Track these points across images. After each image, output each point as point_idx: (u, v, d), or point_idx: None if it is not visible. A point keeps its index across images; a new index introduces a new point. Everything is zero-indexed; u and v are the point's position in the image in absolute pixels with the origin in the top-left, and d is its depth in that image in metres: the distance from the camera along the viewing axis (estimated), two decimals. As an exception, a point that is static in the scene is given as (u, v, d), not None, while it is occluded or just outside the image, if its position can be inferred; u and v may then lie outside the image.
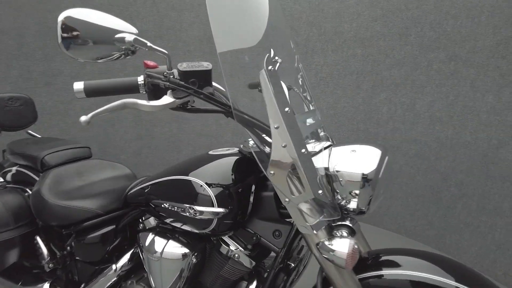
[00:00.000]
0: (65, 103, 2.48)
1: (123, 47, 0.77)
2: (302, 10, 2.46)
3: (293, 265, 0.97)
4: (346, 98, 2.43)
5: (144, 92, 0.80)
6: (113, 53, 0.78)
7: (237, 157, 0.97)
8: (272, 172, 0.80)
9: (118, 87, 0.79)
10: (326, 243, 0.78)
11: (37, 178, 1.38)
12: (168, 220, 0.98)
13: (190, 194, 0.89)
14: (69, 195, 1.25)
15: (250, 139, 1.02)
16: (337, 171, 0.82)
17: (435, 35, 1.98)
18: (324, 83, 2.48)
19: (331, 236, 0.82)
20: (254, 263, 0.97)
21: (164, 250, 0.95)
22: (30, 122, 1.61)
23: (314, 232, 0.81)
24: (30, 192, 1.39)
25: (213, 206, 0.87)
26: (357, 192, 0.82)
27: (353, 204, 0.83)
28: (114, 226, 1.16)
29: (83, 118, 0.74)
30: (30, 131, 1.71)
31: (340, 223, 0.83)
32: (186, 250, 0.96)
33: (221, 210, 0.87)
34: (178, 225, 0.96)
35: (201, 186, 0.89)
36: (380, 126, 2.30)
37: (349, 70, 2.40)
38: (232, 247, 0.96)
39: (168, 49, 2.69)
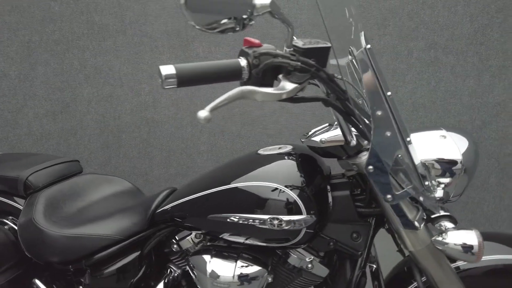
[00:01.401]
0: (13, 111, 2.09)
1: (248, 11, 0.61)
2: (276, 1, 2.39)
3: (374, 266, 0.90)
4: (327, 90, 2.43)
5: (245, 79, 0.65)
6: (226, 22, 0.62)
7: (298, 156, 0.87)
8: (371, 167, 0.72)
9: (216, 73, 0.63)
10: (439, 238, 0.73)
11: (18, 205, 1.11)
12: (226, 236, 0.83)
13: (270, 202, 0.77)
14: (74, 221, 1.02)
15: (312, 133, 0.92)
16: (432, 159, 0.77)
17: (414, 24, 2.06)
18: (303, 76, 2.44)
19: (430, 230, 0.78)
20: (328, 271, 0.87)
21: (236, 273, 0.80)
22: None
23: (418, 226, 0.75)
24: (12, 224, 1.11)
25: (301, 213, 0.75)
26: (446, 180, 0.79)
27: (439, 193, 0.79)
28: (139, 252, 0.96)
29: (203, 114, 0.58)
30: None
31: (437, 215, 0.78)
32: (259, 268, 0.82)
33: (309, 217, 0.76)
34: (240, 240, 0.82)
35: (278, 190, 0.77)
36: (363, 115, 2.34)
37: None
38: (304, 257, 0.85)
39: (132, 45, 2.41)
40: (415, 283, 0.87)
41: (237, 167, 0.87)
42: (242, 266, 0.80)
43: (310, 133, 0.91)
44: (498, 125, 1.86)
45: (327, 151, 0.84)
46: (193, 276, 0.88)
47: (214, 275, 0.81)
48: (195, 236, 0.94)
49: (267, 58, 0.65)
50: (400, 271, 0.95)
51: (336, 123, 0.94)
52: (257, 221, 0.75)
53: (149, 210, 0.97)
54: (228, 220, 0.78)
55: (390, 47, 2.18)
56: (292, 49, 0.69)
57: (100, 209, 1.08)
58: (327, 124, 0.94)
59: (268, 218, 0.75)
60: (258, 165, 0.84)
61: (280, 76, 0.67)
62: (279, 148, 0.91)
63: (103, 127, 2.32)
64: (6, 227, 1.08)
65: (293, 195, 0.75)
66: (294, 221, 0.74)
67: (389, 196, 0.72)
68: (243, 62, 0.65)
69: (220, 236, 0.84)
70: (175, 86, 0.61)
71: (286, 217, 0.74)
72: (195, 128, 2.56)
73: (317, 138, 0.83)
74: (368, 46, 0.70)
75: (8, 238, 1.04)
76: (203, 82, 0.64)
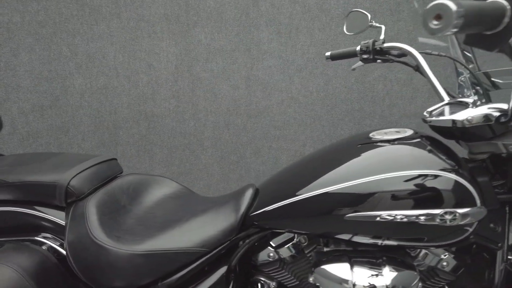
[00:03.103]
0: (-8, 106, 1.76)
1: None
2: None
3: None
4: (338, 79, 2.35)
5: (499, 28, 0.51)
6: None
7: (426, 139, 0.76)
8: None
9: (478, 18, 0.49)
10: None
11: (53, 218, 0.88)
12: (359, 237, 0.70)
13: (437, 193, 0.65)
14: (139, 234, 0.83)
15: (430, 112, 0.81)
16: None
17: (430, 9, 2.04)
18: (312, 64, 2.35)
19: None
20: (458, 267, 0.77)
21: (389, 280, 0.67)
22: None
23: None
24: (50, 243, 0.88)
25: (474, 204, 0.64)
26: None
27: None
28: (226, 266, 0.80)
29: None
30: None
31: None
32: (410, 272, 0.70)
33: (481, 208, 0.65)
34: (377, 241, 0.69)
35: (442, 178, 0.66)
36: (376, 103, 2.30)
37: (338, 49, 2.31)
38: (439, 254, 0.74)
39: (128, 30, 2.14)
40: None
41: (358, 155, 0.73)
42: (392, 272, 0.68)
43: (427, 112, 0.81)
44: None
45: (465, 131, 0.73)
46: None
47: (364, 287, 0.67)
48: (299, 240, 0.79)
49: None
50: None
51: (455, 99, 0.85)
52: (422, 217, 0.63)
53: (237, 213, 0.80)
54: (378, 219, 0.65)
55: (404, 33, 2.14)
56: None
57: (164, 216, 0.89)
58: (445, 102, 0.84)
59: (440, 212, 0.63)
60: (388, 152, 0.71)
61: None
62: (397, 132, 0.79)
63: (98, 123, 2.05)
64: (43, 247, 0.84)
65: (465, 182, 0.64)
66: (468, 214, 0.63)
67: None
68: (506, 3, 0.50)
69: (348, 239, 0.70)
70: (455, 30, 0.45)
71: (461, 210, 0.62)
72: (198, 122, 2.36)
73: (457, 117, 0.72)
74: None
75: (51, 262, 0.81)
76: (472, 29, 0.49)
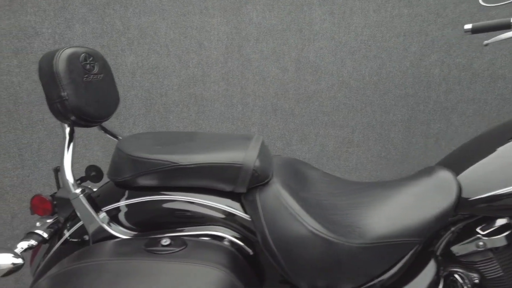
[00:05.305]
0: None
1: None
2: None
3: None
4: (392, 62, 2.26)
5: None
6: None
7: None
8: None
9: None
10: None
11: (225, 207, 0.74)
12: None
13: None
14: (342, 223, 0.72)
15: None
16: None
17: (496, -9, 1.98)
18: (366, 47, 2.25)
19: None
20: None
21: None
22: (115, 104, 0.90)
23: None
24: (232, 238, 0.73)
25: None
26: None
27: None
28: (433, 259, 0.71)
29: None
30: (104, 126, 0.96)
31: None
32: None
33: None
34: None
35: None
36: (431, 89, 2.23)
37: (394, 31, 2.22)
38: None
39: (180, 4, 1.97)
40: None
41: None
42: None
43: None
44: None
45: None
46: None
47: None
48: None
49: None
50: None
51: None
52: None
53: (449, 198, 0.70)
54: None
55: (467, 15, 2.08)
56: None
57: (343, 202, 0.78)
58: None
59: None
60: None
61: None
62: None
63: (148, 105, 1.87)
64: (225, 242, 0.69)
65: None
66: None
67: None
68: None
69: None
70: None
71: None
72: (246, 106, 2.22)
73: None
74: None
75: (240, 259, 0.66)
76: None
